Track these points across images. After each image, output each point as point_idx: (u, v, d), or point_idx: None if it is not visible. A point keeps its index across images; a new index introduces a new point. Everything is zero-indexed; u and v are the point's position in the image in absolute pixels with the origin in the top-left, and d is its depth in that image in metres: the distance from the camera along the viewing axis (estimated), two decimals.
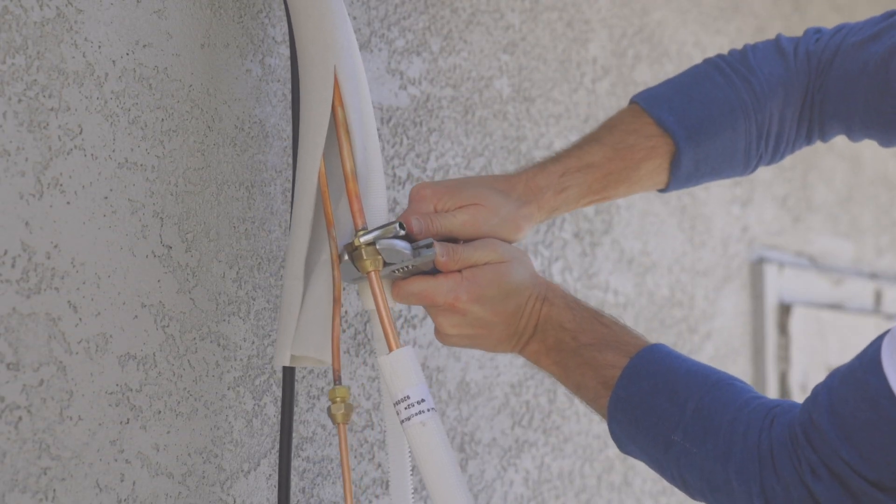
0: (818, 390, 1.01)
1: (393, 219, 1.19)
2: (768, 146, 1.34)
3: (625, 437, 1.13)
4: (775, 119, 1.33)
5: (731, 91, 1.31)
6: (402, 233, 1.15)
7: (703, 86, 1.32)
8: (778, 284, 2.31)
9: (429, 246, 1.15)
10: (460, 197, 1.20)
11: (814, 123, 1.34)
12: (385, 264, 1.14)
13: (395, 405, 1.12)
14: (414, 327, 1.48)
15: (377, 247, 1.13)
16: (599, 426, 1.80)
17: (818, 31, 1.36)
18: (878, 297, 2.67)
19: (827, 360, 2.47)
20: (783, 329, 2.33)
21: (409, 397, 1.11)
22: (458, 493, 1.10)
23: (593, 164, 1.28)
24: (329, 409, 1.15)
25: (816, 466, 0.98)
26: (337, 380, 1.15)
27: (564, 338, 1.16)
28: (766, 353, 2.28)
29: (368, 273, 1.14)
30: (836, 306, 2.52)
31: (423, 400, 1.11)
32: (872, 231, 2.71)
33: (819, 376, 2.42)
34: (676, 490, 1.98)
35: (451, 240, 1.19)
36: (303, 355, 1.17)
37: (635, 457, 1.13)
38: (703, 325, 2.11)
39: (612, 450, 1.83)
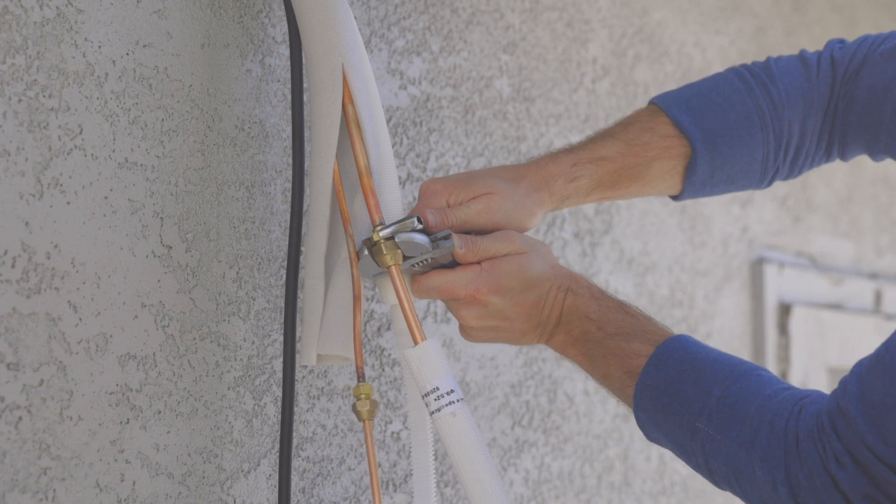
0: (846, 380, 1.01)
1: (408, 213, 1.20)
2: (787, 158, 1.34)
3: (651, 425, 1.13)
4: (795, 130, 1.32)
5: (749, 98, 1.31)
6: (420, 226, 1.15)
7: (722, 90, 1.32)
8: (778, 284, 2.31)
9: (447, 238, 1.15)
10: (472, 188, 1.20)
11: (835, 136, 1.33)
12: (404, 258, 1.15)
13: (423, 397, 1.12)
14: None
15: (396, 241, 1.14)
16: (599, 426, 1.80)
17: (841, 41, 1.35)
18: (878, 297, 2.67)
19: (827, 360, 2.47)
20: (783, 329, 2.33)
21: (438, 388, 1.11)
22: (491, 483, 1.10)
23: (606, 158, 1.28)
24: (354, 405, 1.16)
25: (840, 455, 0.98)
26: (361, 377, 1.16)
27: (590, 328, 1.16)
28: (766, 353, 2.28)
29: (389, 267, 1.14)
30: (836, 306, 2.52)
31: (452, 391, 1.11)
32: (872, 231, 2.71)
33: (819, 376, 2.42)
34: (676, 490, 1.98)
35: (468, 232, 1.19)
36: (328, 354, 1.18)
37: (661, 445, 1.13)
38: (703, 325, 2.11)
39: (612, 450, 1.83)
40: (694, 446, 1.08)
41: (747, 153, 1.31)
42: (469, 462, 1.10)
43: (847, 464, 0.98)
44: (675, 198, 1.35)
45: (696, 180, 1.31)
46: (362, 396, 1.16)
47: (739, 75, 1.33)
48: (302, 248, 1.29)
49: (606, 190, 1.29)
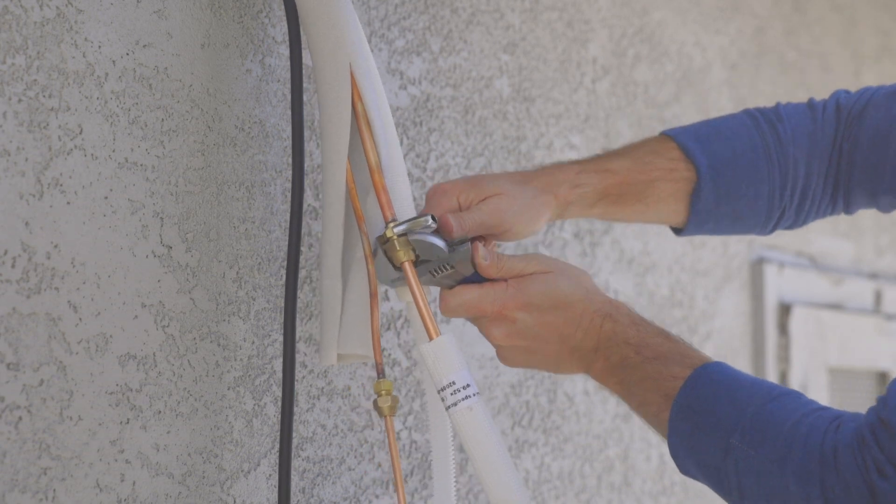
0: (884, 396, 1.01)
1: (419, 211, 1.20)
2: (793, 199, 1.34)
3: (684, 451, 1.10)
4: (801, 170, 1.33)
5: (756, 133, 1.33)
6: (434, 224, 1.16)
7: (730, 125, 1.35)
8: (778, 284, 2.31)
9: (463, 242, 1.15)
10: (482, 189, 1.21)
11: (840, 179, 1.34)
12: (420, 261, 1.15)
13: (439, 392, 1.13)
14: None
15: (410, 240, 1.14)
16: (599, 426, 1.80)
17: (847, 91, 1.37)
18: (878, 297, 2.67)
19: (827, 360, 2.47)
20: (783, 329, 2.33)
21: (454, 383, 1.12)
22: (509, 477, 1.11)
23: (611, 170, 1.30)
24: (375, 401, 1.16)
25: (882, 465, 0.98)
26: (380, 373, 1.16)
27: (628, 353, 1.13)
28: (766, 353, 2.28)
29: (402, 263, 1.15)
30: (836, 306, 2.52)
31: (468, 385, 1.12)
32: (872, 231, 2.71)
33: (819, 376, 2.42)
34: (676, 490, 1.98)
35: (482, 234, 1.20)
36: (349, 353, 1.19)
37: (694, 474, 1.11)
38: (703, 325, 2.11)
39: (612, 450, 1.83)
40: (727, 465, 1.06)
41: (753, 187, 1.33)
42: (487, 456, 1.11)
43: (890, 475, 0.97)
44: (678, 232, 1.37)
45: (701, 209, 1.32)
46: (383, 392, 1.16)
47: (749, 114, 1.36)
48: (302, 249, 1.29)
49: (610, 205, 1.31)
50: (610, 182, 1.29)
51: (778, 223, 1.37)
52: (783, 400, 1.06)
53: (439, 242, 1.14)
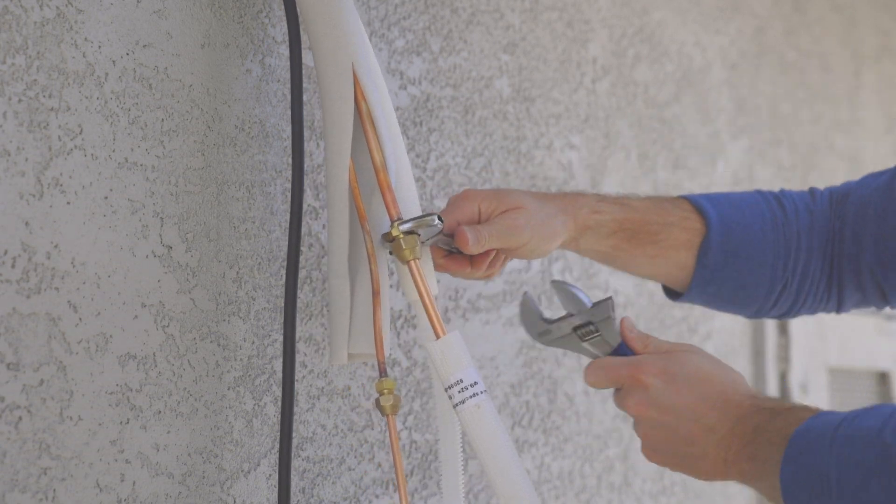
0: None
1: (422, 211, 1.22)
2: (795, 274, 1.37)
3: (791, 478, 1.04)
4: (803, 243, 1.37)
5: (763, 204, 1.38)
6: (440, 225, 1.17)
7: (739, 195, 1.41)
8: None
9: (606, 300, 1.17)
10: (504, 201, 1.23)
11: (834, 262, 1.37)
12: (566, 316, 1.16)
13: (446, 390, 1.13)
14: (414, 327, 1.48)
15: (556, 289, 1.15)
16: (599, 426, 1.80)
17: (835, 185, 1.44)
18: None
19: (827, 360, 2.47)
20: (783, 329, 2.33)
21: (461, 381, 1.12)
22: (517, 474, 1.11)
23: (629, 206, 1.33)
24: (377, 401, 1.16)
25: None
26: (382, 372, 1.17)
27: (762, 419, 1.09)
28: (766, 353, 2.28)
29: (408, 262, 1.15)
30: None
31: (475, 383, 1.12)
32: None
33: (819, 376, 2.42)
34: (676, 490, 1.98)
35: (498, 247, 1.22)
36: (359, 353, 1.19)
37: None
38: (703, 325, 2.11)
39: (612, 450, 1.83)
40: (829, 462, 1.02)
41: (759, 252, 1.36)
42: (495, 453, 1.11)
43: None
44: (677, 296, 1.39)
45: (708, 263, 1.35)
46: (385, 391, 1.16)
47: (756, 191, 1.42)
48: (302, 249, 1.29)
49: (624, 240, 1.33)
50: (628, 216, 1.32)
51: (777, 300, 1.39)
52: (893, 405, 1.06)
53: (582, 295, 1.16)
